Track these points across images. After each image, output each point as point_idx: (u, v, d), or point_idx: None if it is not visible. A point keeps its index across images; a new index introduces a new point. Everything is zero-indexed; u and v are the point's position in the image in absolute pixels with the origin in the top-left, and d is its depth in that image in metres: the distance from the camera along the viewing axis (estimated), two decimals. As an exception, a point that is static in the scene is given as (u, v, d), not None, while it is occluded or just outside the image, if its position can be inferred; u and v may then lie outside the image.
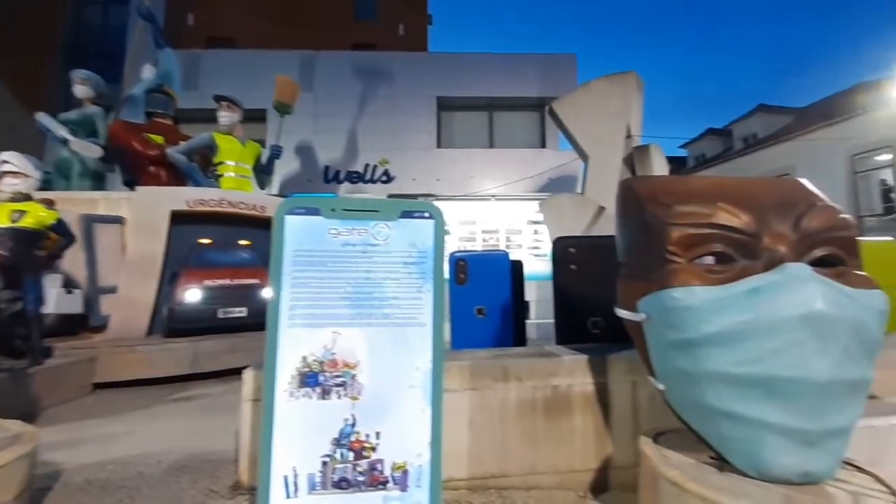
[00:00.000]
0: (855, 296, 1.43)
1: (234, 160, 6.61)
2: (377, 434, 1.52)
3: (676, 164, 20.66)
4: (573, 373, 2.31)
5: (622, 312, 1.88)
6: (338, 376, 1.53)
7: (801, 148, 14.17)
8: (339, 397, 1.52)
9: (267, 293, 5.32)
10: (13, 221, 3.69)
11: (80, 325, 4.90)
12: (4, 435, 1.90)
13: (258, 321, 5.07)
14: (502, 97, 13.21)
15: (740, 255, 1.58)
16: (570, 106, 8.53)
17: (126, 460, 2.50)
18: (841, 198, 12.84)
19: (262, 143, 8.00)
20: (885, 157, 12.43)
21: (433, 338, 1.61)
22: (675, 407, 1.73)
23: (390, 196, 13.08)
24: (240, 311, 4.95)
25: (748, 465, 1.49)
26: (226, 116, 6.71)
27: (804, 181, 1.83)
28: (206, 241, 5.42)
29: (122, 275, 5.10)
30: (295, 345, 1.52)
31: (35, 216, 3.78)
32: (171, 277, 5.14)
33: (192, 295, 4.74)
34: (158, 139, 6.65)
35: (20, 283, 3.58)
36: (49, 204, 4.02)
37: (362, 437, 1.51)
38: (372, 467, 1.50)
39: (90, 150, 6.23)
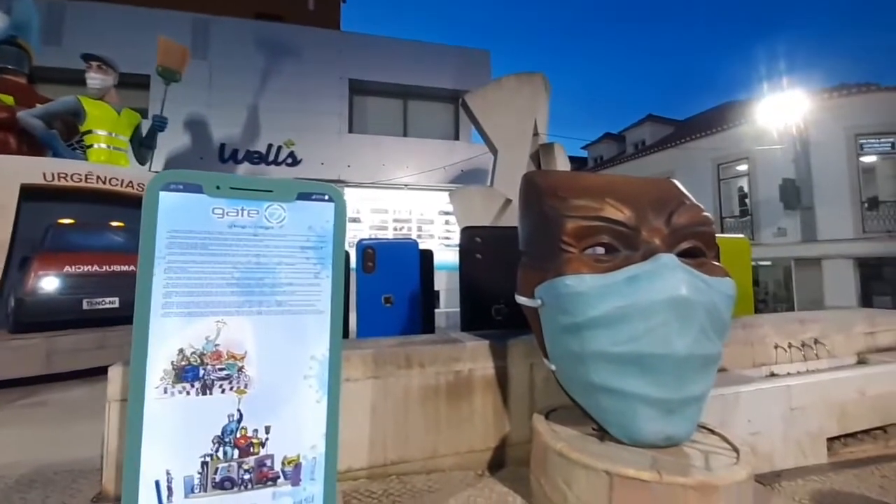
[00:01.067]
0: (711, 283, 1.64)
1: (106, 130, 5.73)
2: (266, 428, 1.42)
3: (578, 163, 22.29)
4: (475, 358, 2.38)
5: (521, 299, 1.97)
6: (222, 369, 1.40)
7: (680, 155, 16.07)
8: (223, 391, 1.39)
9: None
10: None
11: None
12: None
13: (132, 313, 4.48)
14: (417, 86, 13.10)
15: (623, 247, 1.73)
16: (481, 99, 8.75)
17: (-47, 480, 2.07)
18: (708, 201, 14.83)
19: (143, 112, 7.02)
20: (743, 167, 14.57)
21: (331, 326, 1.54)
22: (565, 385, 1.86)
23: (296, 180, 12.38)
24: (110, 302, 4.34)
25: (623, 434, 1.65)
26: (96, 79, 5.76)
27: (676, 182, 2.05)
28: (67, 221, 4.64)
29: (-47, 259, 4.19)
30: (170, 336, 1.36)
31: None
32: (20, 263, 4.33)
33: (48, 283, 4.03)
34: (8, 99, 5.54)
35: None
36: None
37: (249, 433, 1.40)
38: (260, 464, 1.40)
39: None
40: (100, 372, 4.03)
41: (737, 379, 2.53)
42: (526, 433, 2.27)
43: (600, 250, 1.78)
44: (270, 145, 11.79)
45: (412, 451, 2.25)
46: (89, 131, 5.66)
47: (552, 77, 9.32)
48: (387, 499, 1.97)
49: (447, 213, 11.79)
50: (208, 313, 1.41)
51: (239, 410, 1.40)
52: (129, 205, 5.28)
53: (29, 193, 4.55)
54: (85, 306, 4.19)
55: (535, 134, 8.75)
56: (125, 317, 4.39)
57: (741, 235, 3.84)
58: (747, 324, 3.13)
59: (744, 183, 14.72)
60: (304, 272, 1.53)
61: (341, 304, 1.57)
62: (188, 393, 1.35)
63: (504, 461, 2.34)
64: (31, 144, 5.59)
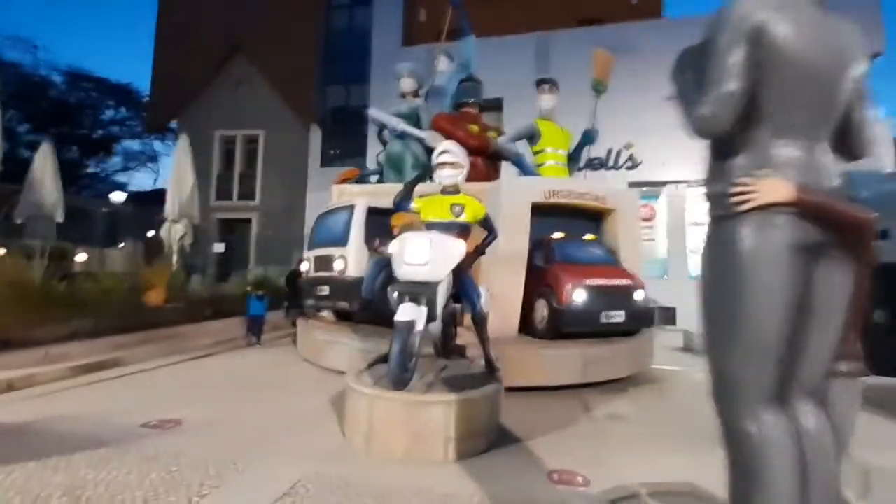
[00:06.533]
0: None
1: (553, 146, 6.16)
2: None
3: None
4: None
5: None
6: None
7: None
8: None
9: (638, 295, 4.65)
10: (456, 216, 3.53)
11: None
12: None
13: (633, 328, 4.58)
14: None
15: None
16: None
17: None
18: None
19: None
20: None
21: None
22: None
23: (632, 184, 11.81)
24: (618, 315, 4.38)
25: None
26: (549, 100, 6.28)
27: None
28: (558, 234, 5.00)
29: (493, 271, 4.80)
30: None
31: (472, 210, 3.59)
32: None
33: (578, 295, 4.28)
34: (474, 128, 6.56)
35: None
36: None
37: None
38: None
39: (437, 141, 6.30)
40: (609, 383, 4.15)
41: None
42: None
43: None
44: (610, 150, 11.56)
45: None
46: (541, 150, 6.18)
47: None
48: None
49: None
50: None
51: None
52: (590, 217, 5.47)
53: (533, 210, 5.01)
54: (602, 319, 4.32)
55: None
56: (628, 331, 4.46)
57: None
58: None
59: None
60: None
61: None
62: None
63: None
64: (492, 166, 6.48)
